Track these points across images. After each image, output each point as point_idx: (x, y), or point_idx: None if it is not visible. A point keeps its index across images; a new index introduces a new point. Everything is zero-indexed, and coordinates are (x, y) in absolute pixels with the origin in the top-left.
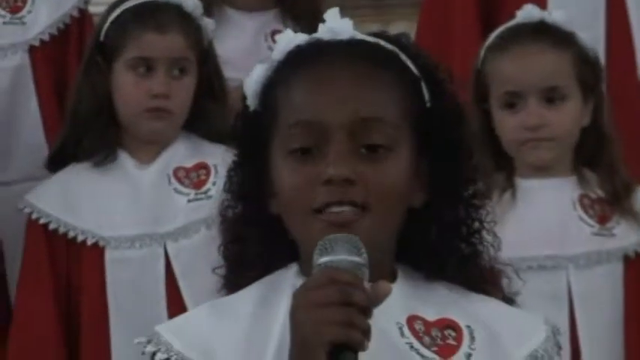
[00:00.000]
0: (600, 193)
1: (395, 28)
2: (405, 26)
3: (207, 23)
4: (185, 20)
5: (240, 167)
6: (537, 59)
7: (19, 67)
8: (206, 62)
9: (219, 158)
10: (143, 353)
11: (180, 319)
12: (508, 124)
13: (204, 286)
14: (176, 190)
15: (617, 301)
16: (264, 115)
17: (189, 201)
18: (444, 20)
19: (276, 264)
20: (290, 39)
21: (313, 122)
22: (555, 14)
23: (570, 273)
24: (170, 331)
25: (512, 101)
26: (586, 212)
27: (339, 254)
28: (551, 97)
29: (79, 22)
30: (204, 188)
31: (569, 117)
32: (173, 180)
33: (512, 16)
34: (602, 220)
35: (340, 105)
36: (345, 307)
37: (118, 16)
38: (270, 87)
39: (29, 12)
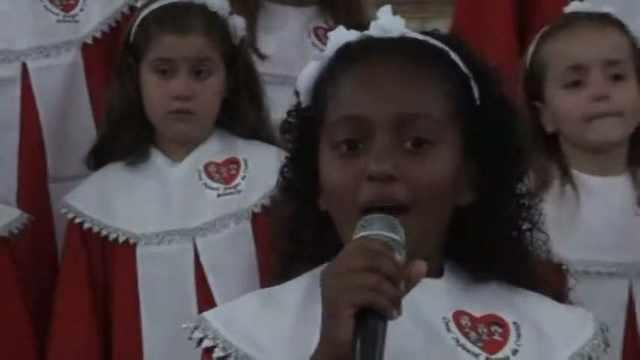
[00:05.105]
0: None
1: (433, 26)
2: (443, 24)
3: (237, 22)
4: (208, 20)
5: (292, 163)
6: (599, 33)
7: (73, 65)
8: (235, 61)
9: (250, 153)
10: (190, 338)
11: (227, 306)
12: (573, 101)
13: (233, 280)
14: (206, 186)
15: None
16: (314, 110)
17: (218, 195)
18: (479, 17)
19: (326, 258)
20: (341, 36)
21: (358, 117)
22: (603, 7)
23: (633, 281)
24: (217, 318)
25: (576, 78)
26: None
27: (374, 230)
28: (614, 73)
29: (129, 19)
30: (233, 183)
31: (632, 93)
32: (204, 175)
33: (547, 14)
34: None
35: (385, 101)
36: (371, 272)
37: (144, 18)
38: (321, 83)
39: (81, 10)
